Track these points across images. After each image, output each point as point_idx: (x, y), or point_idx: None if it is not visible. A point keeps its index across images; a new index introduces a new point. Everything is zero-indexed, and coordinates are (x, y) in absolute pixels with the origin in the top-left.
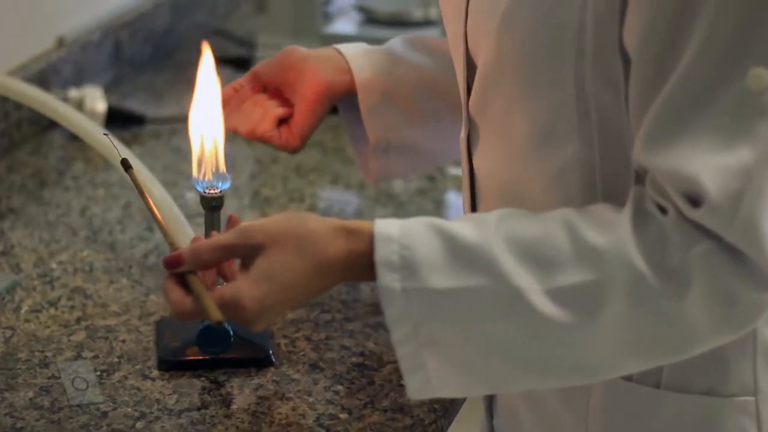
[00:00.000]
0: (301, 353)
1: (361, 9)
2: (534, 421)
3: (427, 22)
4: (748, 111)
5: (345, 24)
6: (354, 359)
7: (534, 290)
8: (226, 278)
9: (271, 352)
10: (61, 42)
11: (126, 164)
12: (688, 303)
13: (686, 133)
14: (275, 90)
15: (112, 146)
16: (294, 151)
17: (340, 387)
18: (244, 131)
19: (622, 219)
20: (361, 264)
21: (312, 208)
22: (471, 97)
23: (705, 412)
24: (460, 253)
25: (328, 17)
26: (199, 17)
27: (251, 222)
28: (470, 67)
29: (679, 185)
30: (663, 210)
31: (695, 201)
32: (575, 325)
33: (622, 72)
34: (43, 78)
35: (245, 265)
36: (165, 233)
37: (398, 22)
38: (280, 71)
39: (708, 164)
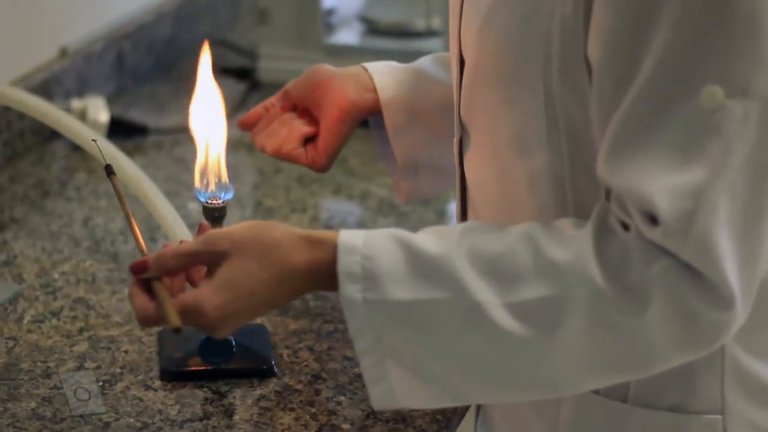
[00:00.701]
0: (304, 364)
1: (364, 19)
2: (507, 430)
3: (429, 33)
4: (701, 129)
5: (347, 34)
6: (356, 370)
7: (493, 304)
8: (195, 285)
9: (273, 362)
10: (63, 52)
11: (109, 170)
12: (648, 320)
13: (642, 151)
14: (304, 109)
15: (116, 158)
16: (321, 169)
17: (342, 398)
18: (270, 150)
19: (584, 235)
20: (324, 274)
21: (314, 219)
22: (461, 99)
23: (672, 428)
24: (421, 266)
25: (330, 28)
26: (201, 28)
27: (217, 230)
28: (463, 69)
29: (637, 204)
30: (626, 227)
31: (653, 219)
32: (535, 340)
33: (588, 82)
34: (46, 88)
35: (210, 273)
36: (137, 241)
37: (401, 33)
38: (307, 90)
39: (661, 184)
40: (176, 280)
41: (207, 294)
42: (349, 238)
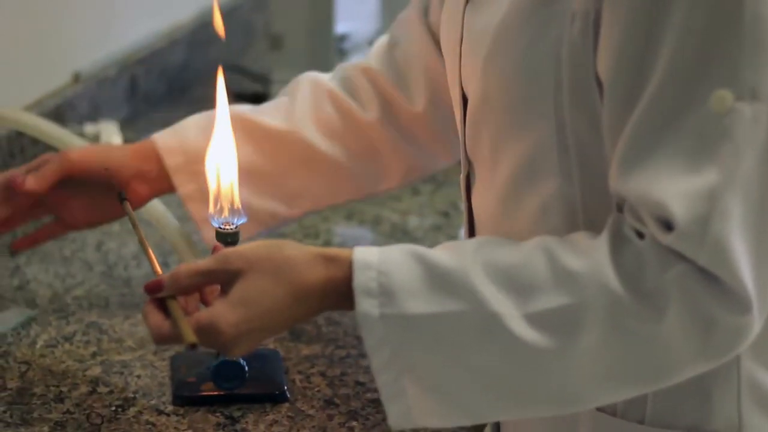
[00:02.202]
0: (316, 389)
1: None
2: None
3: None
4: (711, 134)
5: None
6: (369, 395)
7: (512, 315)
8: (208, 305)
9: (285, 387)
10: (77, 77)
11: (121, 197)
12: (666, 326)
13: (654, 158)
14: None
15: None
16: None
17: (354, 423)
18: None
19: (600, 244)
20: (339, 291)
21: (327, 244)
22: (467, 134)
23: None
24: (437, 279)
25: (342, 53)
26: (214, 53)
27: (231, 248)
28: (466, 106)
29: (651, 210)
30: (640, 235)
31: (667, 225)
32: (553, 350)
33: (599, 101)
34: (60, 113)
35: (224, 291)
36: (152, 264)
37: None
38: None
39: (675, 189)
40: (190, 300)
41: (222, 311)
42: (364, 254)
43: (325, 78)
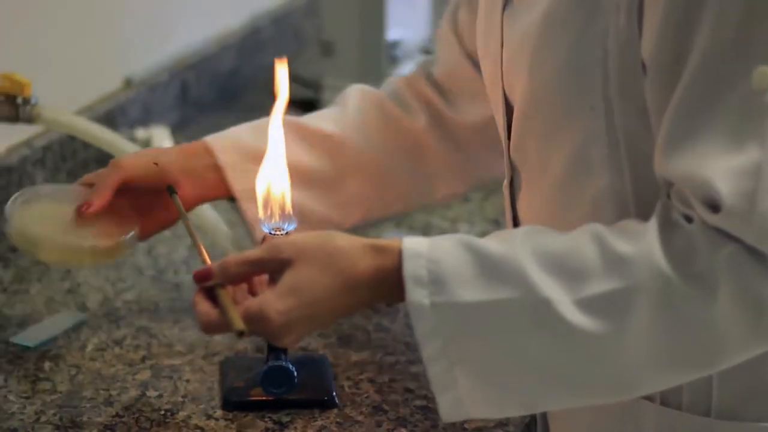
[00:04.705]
0: (365, 395)
1: (427, 52)
2: None
3: None
4: (754, 110)
5: (411, 67)
6: (417, 402)
7: (563, 301)
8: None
9: (334, 393)
10: (128, 83)
11: (171, 190)
12: (717, 308)
13: (698, 138)
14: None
15: None
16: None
17: (403, 429)
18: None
19: (649, 229)
20: (389, 281)
21: None
22: (511, 140)
23: None
24: (488, 266)
25: (394, 60)
26: (264, 59)
27: (280, 238)
28: (509, 111)
29: (697, 191)
30: (688, 219)
31: (714, 206)
32: (605, 335)
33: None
34: (111, 118)
35: (273, 280)
36: (201, 255)
37: None
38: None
39: (719, 167)
40: (237, 290)
41: (271, 299)
42: (414, 243)
43: (373, 89)
